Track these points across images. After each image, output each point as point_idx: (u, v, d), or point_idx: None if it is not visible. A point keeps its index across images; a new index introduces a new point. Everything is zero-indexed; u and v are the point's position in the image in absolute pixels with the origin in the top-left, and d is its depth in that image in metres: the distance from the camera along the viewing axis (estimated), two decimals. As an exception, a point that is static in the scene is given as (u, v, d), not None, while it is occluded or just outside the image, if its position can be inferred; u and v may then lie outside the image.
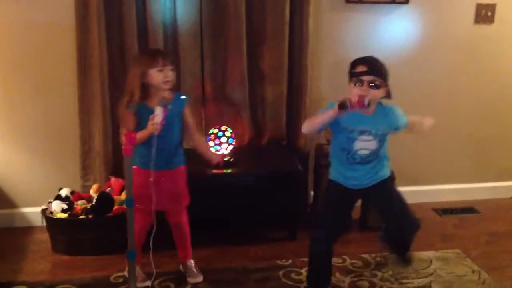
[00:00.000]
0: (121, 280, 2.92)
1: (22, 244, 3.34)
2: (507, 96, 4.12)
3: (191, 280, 2.93)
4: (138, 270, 2.82)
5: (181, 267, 3.01)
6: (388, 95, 2.55)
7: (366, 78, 2.45)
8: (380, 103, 2.56)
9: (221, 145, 3.32)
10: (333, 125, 2.55)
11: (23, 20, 3.31)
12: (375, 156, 2.59)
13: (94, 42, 3.27)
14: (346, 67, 3.73)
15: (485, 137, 4.18)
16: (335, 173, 2.69)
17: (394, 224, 2.74)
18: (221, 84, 3.59)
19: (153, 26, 3.35)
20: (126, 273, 2.89)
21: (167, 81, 2.62)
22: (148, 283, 2.85)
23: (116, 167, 3.47)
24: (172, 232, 2.93)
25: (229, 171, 3.33)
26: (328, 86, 3.77)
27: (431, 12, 3.83)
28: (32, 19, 3.31)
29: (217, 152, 3.28)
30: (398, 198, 2.68)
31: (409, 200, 3.88)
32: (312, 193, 3.80)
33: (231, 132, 3.36)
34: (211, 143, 3.32)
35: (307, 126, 2.58)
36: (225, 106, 3.63)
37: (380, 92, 2.48)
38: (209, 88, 3.59)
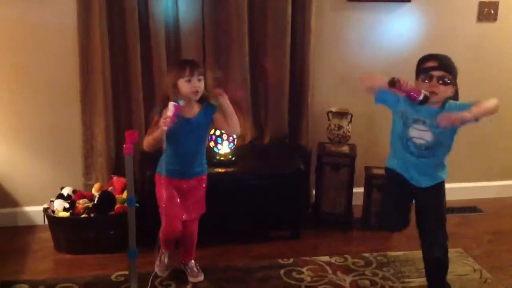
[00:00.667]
0: (122, 279, 2.93)
1: (25, 243, 3.35)
2: (510, 94, 4.11)
3: (192, 279, 2.94)
4: (164, 258, 2.98)
5: (182, 265, 3.02)
6: (455, 96, 2.52)
7: (436, 73, 2.43)
8: (446, 102, 2.51)
9: (222, 143, 3.34)
10: (394, 107, 2.57)
11: (26, 22, 3.31)
12: (432, 153, 2.55)
13: (96, 42, 3.28)
14: (348, 65, 3.76)
15: (489, 136, 4.17)
16: (393, 161, 2.69)
17: (424, 231, 2.72)
18: (223, 83, 3.59)
19: (155, 26, 3.35)
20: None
21: (195, 91, 2.65)
22: (167, 271, 2.98)
23: (118, 166, 3.48)
24: (181, 240, 2.94)
25: (231, 170, 3.33)
26: (331, 85, 3.77)
27: (433, 10, 3.83)
28: (35, 21, 3.32)
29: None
30: (440, 207, 2.66)
31: (411, 199, 3.87)
32: (314, 192, 3.79)
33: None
34: (211, 144, 3.34)
35: (365, 80, 2.63)
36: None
37: (448, 89, 2.46)
38: (211, 87, 3.58)
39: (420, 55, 3.82)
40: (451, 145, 2.60)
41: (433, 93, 2.42)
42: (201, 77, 2.67)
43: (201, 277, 2.95)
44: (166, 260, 2.99)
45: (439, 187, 2.65)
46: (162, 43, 3.39)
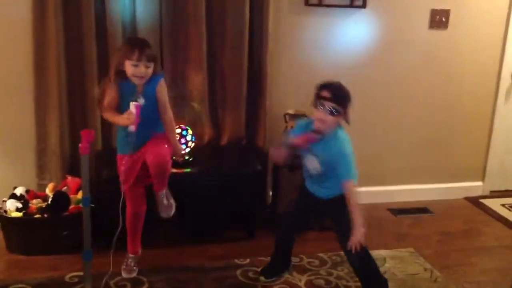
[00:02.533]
0: (76, 280, 2.89)
1: (-25, 244, 3.27)
2: (460, 99, 4.25)
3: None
4: (130, 260, 2.96)
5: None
6: (346, 121, 2.64)
7: (327, 104, 2.54)
8: (336, 131, 2.64)
9: (187, 143, 3.32)
10: None
11: (-23, 15, 3.24)
12: (325, 178, 2.70)
13: (51, 40, 3.23)
14: (305, 68, 3.82)
15: (439, 139, 4.30)
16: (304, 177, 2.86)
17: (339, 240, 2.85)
18: (181, 84, 3.58)
19: (112, 25, 3.31)
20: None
21: (139, 77, 2.62)
22: (133, 274, 2.95)
23: (73, 166, 3.43)
24: (151, 170, 2.75)
25: (188, 170, 3.33)
26: (288, 87, 3.82)
27: (387, 16, 3.92)
28: (-14, 14, 3.25)
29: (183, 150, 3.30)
30: (344, 219, 2.68)
31: (365, 200, 3.98)
32: (271, 193, 3.83)
33: (192, 131, 3.37)
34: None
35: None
36: (184, 106, 3.62)
37: (337, 119, 2.58)
38: (168, 88, 3.57)
39: (374, 60, 3.98)
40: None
41: (322, 121, 2.58)
42: (150, 64, 2.62)
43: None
44: (132, 262, 2.96)
45: (340, 201, 2.65)
46: (119, 42, 3.31)
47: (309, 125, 2.68)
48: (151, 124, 2.76)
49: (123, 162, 2.73)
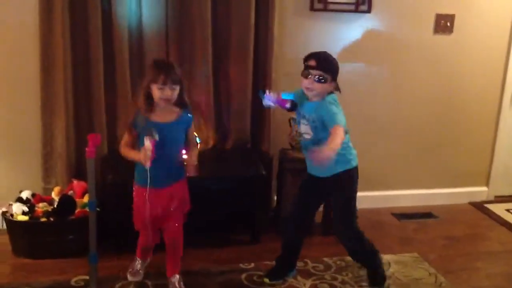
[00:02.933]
0: (82, 283, 2.90)
1: (-19, 247, 3.29)
2: (464, 104, 4.25)
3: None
4: (137, 263, 2.96)
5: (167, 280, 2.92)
6: (337, 89, 2.70)
7: (314, 72, 2.62)
8: (325, 98, 2.67)
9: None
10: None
11: (-16, 19, 3.26)
12: (318, 146, 2.64)
13: (58, 43, 3.25)
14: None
15: (443, 144, 4.30)
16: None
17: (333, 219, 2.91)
18: (187, 89, 3.58)
19: (118, 30, 3.34)
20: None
21: (165, 99, 2.61)
22: (139, 277, 2.94)
23: (79, 170, 3.44)
24: (166, 248, 2.85)
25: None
26: (292, 91, 3.82)
27: (392, 21, 3.93)
28: (-4, 19, 3.28)
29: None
30: (340, 199, 2.83)
31: (369, 204, 4.00)
32: (275, 197, 3.84)
33: (196, 135, 3.38)
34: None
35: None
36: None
37: (325, 87, 2.63)
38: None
39: (379, 64, 3.97)
40: None
41: (308, 89, 2.65)
42: (175, 86, 2.62)
43: None
44: (138, 266, 2.96)
45: (337, 181, 2.76)
46: (125, 46, 3.38)
47: (302, 93, 2.74)
48: (176, 160, 2.74)
49: (142, 195, 2.69)
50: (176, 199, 2.77)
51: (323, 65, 2.63)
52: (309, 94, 2.68)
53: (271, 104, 2.81)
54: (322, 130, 2.65)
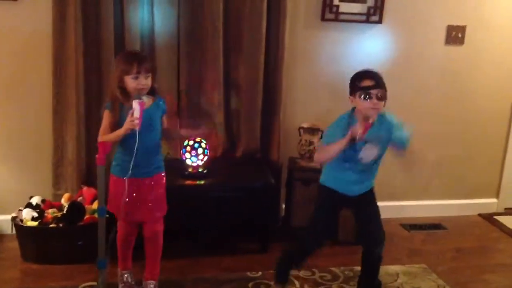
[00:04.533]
0: (90, 289, 2.92)
1: (-9, 252, 3.32)
2: (475, 116, 4.24)
3: None
4: (125, 276, 2.91)
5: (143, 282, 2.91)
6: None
7: (374, 92, 2.58)
8: (380, 114, 2.67)
9: (197, 156, 3.35)
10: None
11: (1, 29, 3.30)
12: (374, 165, 2.73)
13: (70, 51, 3.28)
14: (320, 83, 3.83)
15: (453, 156, 4.29)
16: (328, 179, 2.80)
17: (365, 232, 2.87)
18: (197, 97, 3.61)
19: (130, 39, 3.36)
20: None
21: (141, 89, 2.61)
22: None
23: (88, 176, 3.46)
24: (145, 245, 2.84)
25: (202, 182, 3.35)
26: (302, 102, 3.84)
27: (403, 32, 3.94)
28: (9, 27, 3.31)
29: (193, 163, 3.32)
30: (376, 207, 2.86)
31: (378, 215, 3.93)
32: (284, 206, 3.84)
33: (205, 144, 3.40)
34: (187, 155, 3.35)
35: (321, 158, 2.74)
36: (200, 119, 3.65)
37: (384, 104, 2.63)
38: (185, 101, 3.61)
39: (390, 75, 3.90)
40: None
41: (375, 109, 2.59)
42: (149, 74, 2.61)
43: None
44: (129, 279, 2.92)
45: (373, 193, 2.85)
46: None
47: (351, 118, 2.67)
48: (154, 146, 2.74)
49: (121, 185, 2.65)
50: (155, 192, 2.76)
51: (381, 83, 2.62)
52: (374, 115, 2.59)
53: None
54: (384, 147, 2.68)
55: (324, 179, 2.82)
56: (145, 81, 2.61)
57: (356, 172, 2.70)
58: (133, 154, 2.57)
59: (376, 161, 2.68)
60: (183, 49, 3.53)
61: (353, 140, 2.51)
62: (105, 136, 2.64)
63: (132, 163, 2.58)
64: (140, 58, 2.63)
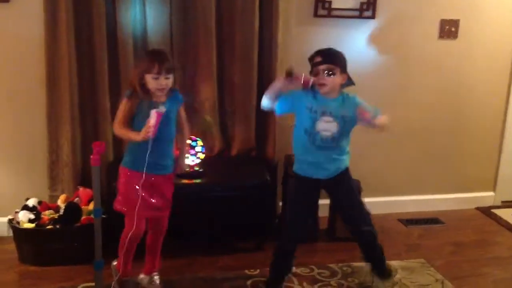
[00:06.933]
0: (88, 290, 2.92)
1: (-12, 255, 3.31)
2: (470, 109, 4.24)
3: None
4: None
5: (140, 277, 2.94)
6: (350, 82, 2.76)
7: (321, 67, 2.66)
8: (342, 92, 2.76)
9: (196, 155, 3.35)
10: (298, 107, 2.75)
11: (-8, 31, 3.30)
12: (336, 143, 2.74)
13: (63, 52, 3.27)
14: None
15: (449, 149, 4.29)
16: (298, 164, 2.85)
17: (349, 216, 2.92)
18: (191, 96, 3.61)
19: (123, 38, 3.35)
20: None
21: (161, 89, 2.62)
22: None
23: (84, 177, 3.46)
24: (150, 241, 2.87)
25: (198, 181, 3.35)
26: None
27: (396, 27, 3.93)
28: (2, 30, 3.30)
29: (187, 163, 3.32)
30: (355, 190, 2.92)
31: (375, 210, 3.96)
32: (280, 203, 3.83)
33: (201, 142, 3.40)
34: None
35: (264, 100, 2.77)
36: (195, 117, 3.64)
37: (335, 79, 2.68)
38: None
39: (383, 70, 3.97)
40: (350, 134, 2.81)
41: (322, 84, 2.67)
42: (169, 75, 2.62)
43: None
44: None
45: (347, 174, 2.86)
46: (130, 54, 3.39)
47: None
48: (168, 142, 2.74)
49: (135, 179, 2.66)
50: (169, 188, 2.81)
51: (329, 58, 2.68)
52: (322, 90, 2.68)
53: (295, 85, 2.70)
54: (349, 125, 2.74)
55: (295, 167, 2.88)
56: (165, 82, 2.61)
57: (319, 149, 2.74)
58: (146, 152, 2.58)
59: (338, 139, 2.73)
60: (176, 48, 3.52)
61: (288, 73, 2.64)
62: (120, 130, 2.66)
63: (146, 159, 2.59)
64: (162, 58, 2.63)
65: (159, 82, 2.59)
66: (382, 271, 3.00)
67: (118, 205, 2.74)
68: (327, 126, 2.70)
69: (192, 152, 3.34)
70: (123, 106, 2.66)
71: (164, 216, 2.85)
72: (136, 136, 2.56)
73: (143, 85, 2.61)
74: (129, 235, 2.70)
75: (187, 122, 2.92)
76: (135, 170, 2.67)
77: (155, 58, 2.62)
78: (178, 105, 2.78)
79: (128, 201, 2.70)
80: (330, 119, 2.69)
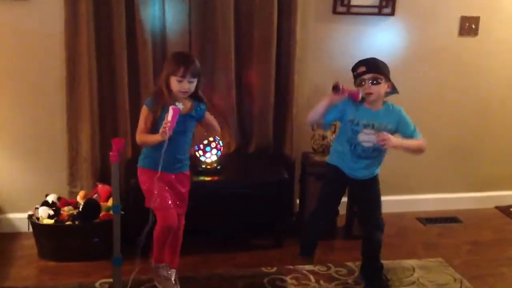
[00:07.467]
0: (106, 286, 2.93)
1: (8, 250, 3.34)
2: (490, 107, 4.20)
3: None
4: (167, 272, 2.91)
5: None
6: (394, 90, 2.82)
7: (366, 76, 2.70)
8: (387, 102, 2.82)
9: (211, 152, 3.38)
10: (341, 118, 2.82)
11: (11, 27, 3.32)
12: (377, 154, 2.83)
13: (83, 49, 3.29)
14: (332, 76, 3.80)
15: (469, 148, 4.25)
16: (335, 159, 2.94)
17: (366, 218, 2.99)
18: (209, 93, 3.61)
19: (142, 35, 3.37)
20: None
21: (183, 92, 2.66)
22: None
23: (103, 174, 3.48)
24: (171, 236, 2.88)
25: (216, 178, 3.36)
26: (315, 96, 3.80)
27: (416, 24, 3.90)
28: (21, 26, 3.32)
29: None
30: (378, 195, 2.95)
31: (394, 209, 3.97)
32: (298, 201, 3.83)
33: (219, 140, 3.41)
34: (200, 152, 3.38)
35: (311, 115, 2.83)
36: (213, 114, 3.64)
37: (382, 87, 2.73)
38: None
39: (403, 68, 3.95)
40: None
41: (369, 94, 2.71)
42: (193, 79, 2.66)
43: None
44: (169, 273, 2.90)
45: (376, 179, 2.95)
46: (149, 52, 3.40)
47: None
48: (184, 150, 2.81)
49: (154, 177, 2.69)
50: (184, 186, 2.86)
51: (373, 67, 2.72)
52: (368, 99, 2.72)
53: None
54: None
55: (331, 159, 2.98)
56: (188, 86, 2.66)
57: (358, 157, 2.83)
58: (161, 153, 2.60)
59: (378, 149, 2.80)
60: (194, 45, 3.53)
61: (335, 88, 2.66)
62: (142, 136, 2.71)
63: (161, 160, 2.61)
64: (188, 62, 2.66)
65: (182, 85, 2.64)
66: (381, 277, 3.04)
67: (147, 204, 2.77)
68: (369, 138, 2.77)
69: (209, 149, 3.37)
70: (143, 115, 2.72)
71: (181, 214, 2.88)
72: (157, 137, 2.60)
73: (169, 88, 2.66)
74: (158, 230, 2.75)
75: (215, 122, 2.97)
76: (152, 169, 2.71)
77: (181, 61, 2.66)
78: (198, 119, 2.83)
79: (153, 196, 2.73)
80: (372, 131, 2.75)
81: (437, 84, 4.05)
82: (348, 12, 3.74)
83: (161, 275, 2.90)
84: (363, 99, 2.71)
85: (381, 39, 3.87)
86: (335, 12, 3.72)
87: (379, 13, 3.79)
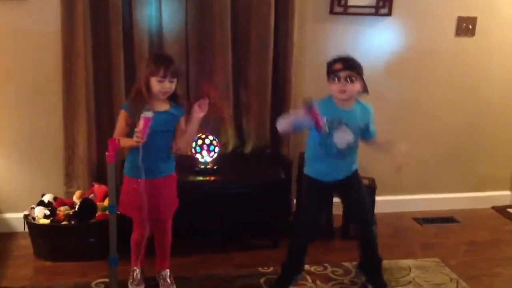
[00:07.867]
0: (102, 286, 2.93)
1: (4, 250, 3.33)
2: (487, 107, 4.20)
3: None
4: (137, 275, 2.92)
5: (156, 274, 2.97)
6: (365, 90, 2.77)
7: (342, 74, 2.67)
8: (358, 100, 2.79)
9: (208, 152, 3.37)
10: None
11: (8, 26, 3.31)
12: (350, 151, 2.81)
13: (79, 49, 3.29)
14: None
15: (466, 148, 4.25)
16: (309, 167, 2.89)
17: (357, 215, 2.97)
18: (208, 93, 3.60)
19: (138, 34, 3.37)
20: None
21: (164, 92, 2.66)
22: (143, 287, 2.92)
23: (99, 174, 3.48)
24: (155, 239, 2.91)
25: (213, 178, 3.36)
26: (312, 95, 3.80)
27: (413, 24, 3.90)
28: (18, 27, 3.32)
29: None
30: (363, 189, 2.96)
31: (390, 209, 3.98)
32: (295, 201, 3.82)
33: (216, 140, 3.40)
34: (198, 151, 3.38)
35: (282, 126, 2.75)
36: (211, 114, 3.63)
37: (356, 86, 2.70)
38: (194, 96, 3.60)
39: (400, 68, 3.95)
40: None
41: (342, 91, 2.68)
42: (174, 79, 2.66)
43: None
44: (139, 275, 2.93)
45: (357, 175, 2.92)
46: (146, 52, 3.40)
47: (329, 101, 2.77)
48: (165, 150, 2.79)
49: (134, 185, 2.69)
50: (167, 190, 2.83)
51: (350, 65, 2.70)
52: (342, 97, 2.70)
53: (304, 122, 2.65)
54: (360, 136, 2.80)
55: (307, 169, 2.91)
56: (169, 86, 2.66)
57: (333, 158, 2.78)
58: (143, 154, 2.60)
59: (353, 147, 2.80)
60: (191, 44, 3.53)
61: (307, 106, 2.56)
62: (120, 138, 2.67)
63: (140, 164, 2.61)
64: (168, 62, 2.67)
65: (163, 85, 2.64)
66: (378, 283, 2.99)
67: (122, 210, 2.79)
68: (342, 138, 2.74)
69: (205, 149, 3.36)
70: (121, 118, 2.72)
71: (165, 218, 2.87)
72: (131, 141, 2.60)
73: (149, 89, 2.65)
74: (132, 238, 2.85)
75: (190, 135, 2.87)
76: (133, 177, 2.71)
77: (161, 61, 2.67)
78: (178, 117, 2.80)
79: (128, 206, 2.77)
80: (346, 129, 2.73)
81: (433, 84, 4.05)
82: (345, 13, 3.74)
83: (134, 276, 2.93)
84: (325, 132, 2.60)
85: (378, 39, 3.87)
86: (332, 12, 3.72)
87: (376, 14, 3.79)
